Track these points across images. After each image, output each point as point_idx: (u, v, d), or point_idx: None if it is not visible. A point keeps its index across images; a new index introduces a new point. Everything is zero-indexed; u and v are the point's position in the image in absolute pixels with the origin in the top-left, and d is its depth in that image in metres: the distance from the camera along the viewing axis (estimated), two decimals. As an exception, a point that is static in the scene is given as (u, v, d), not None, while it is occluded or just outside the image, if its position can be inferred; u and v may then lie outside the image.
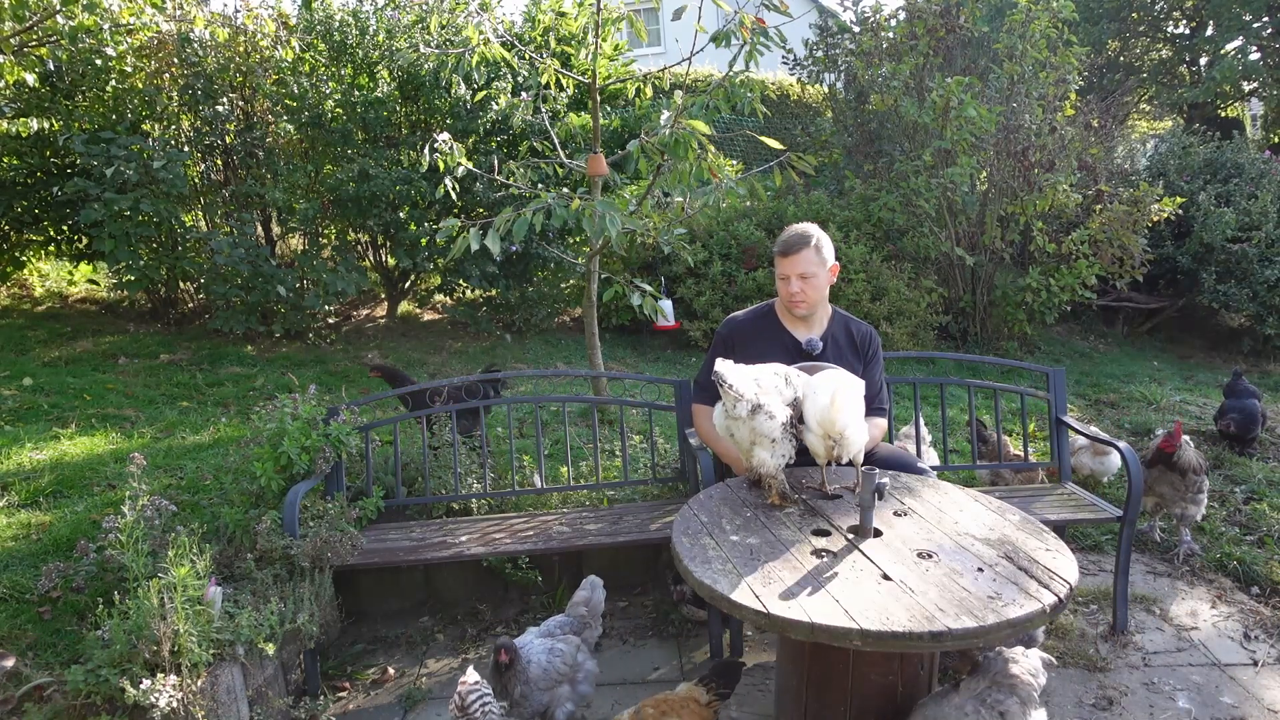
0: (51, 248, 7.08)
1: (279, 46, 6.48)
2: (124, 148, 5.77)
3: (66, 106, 6.24)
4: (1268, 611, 3.49)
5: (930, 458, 3.99)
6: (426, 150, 4.05)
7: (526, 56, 5.01)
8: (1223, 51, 12.42)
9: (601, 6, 4.50)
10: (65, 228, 6.80)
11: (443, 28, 6.40)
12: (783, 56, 7.51)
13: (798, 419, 2.55)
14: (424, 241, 6.59)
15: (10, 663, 2.66)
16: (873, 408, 3.04)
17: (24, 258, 7.19)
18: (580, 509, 3.70)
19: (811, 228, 3.06)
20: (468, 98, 6.34)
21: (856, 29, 8.33)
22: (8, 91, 6.15)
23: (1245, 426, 5.09)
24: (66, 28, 5.64)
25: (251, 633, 2.63)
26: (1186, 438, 3.84)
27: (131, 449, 4.23)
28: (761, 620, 1.96)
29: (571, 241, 7.26)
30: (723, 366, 2.49)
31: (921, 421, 4.02)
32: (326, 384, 5.48)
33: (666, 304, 6.96)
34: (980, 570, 2.12)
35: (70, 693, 2.48)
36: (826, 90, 9.41)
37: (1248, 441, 5.11)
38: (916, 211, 7.20)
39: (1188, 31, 13.97)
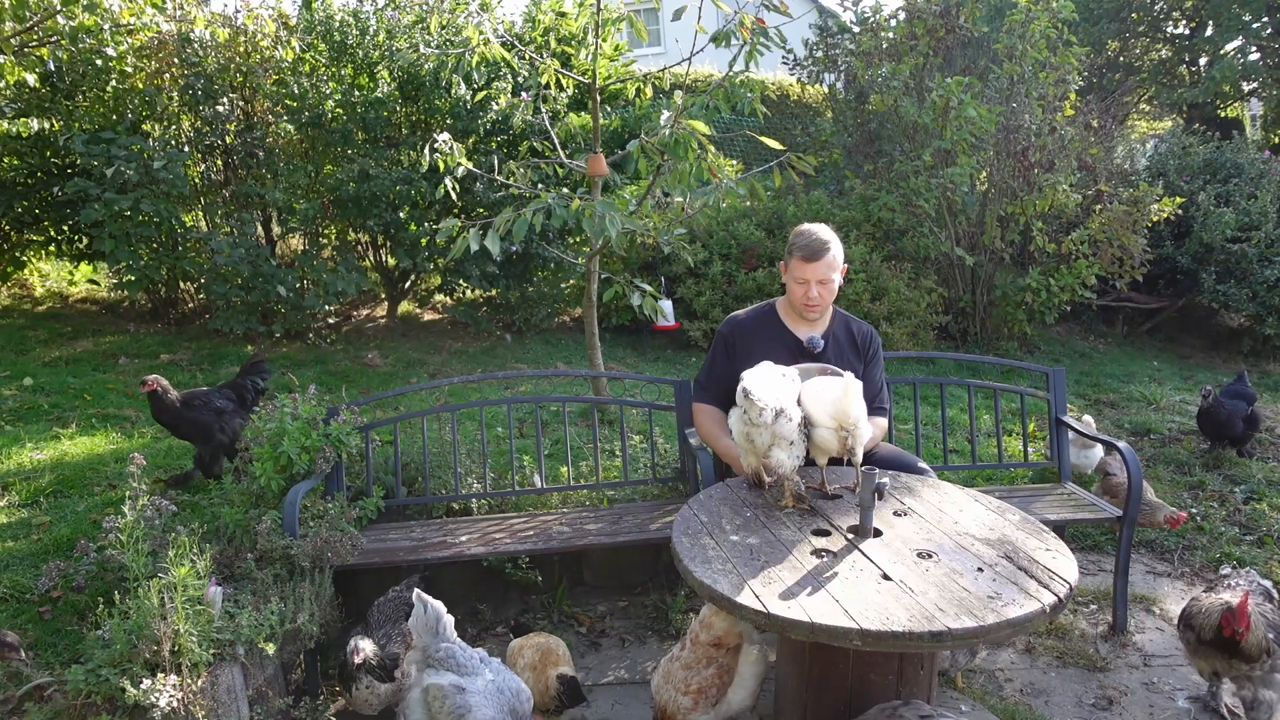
0: (52, 248, 7.09)
1: (279, 47, 6.49)
2: (124, 148, 5.78)
3: (67, 106, 6.25)
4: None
5: None
6: (426, 150, 4.05)
7: (526, 57, 5.02)
8: (1222, 52, 12.42)
9: (601, 7, 4.50)
10: (65, 228, 6.81)
11: (443, 28, 6.40)
12: (783, 56, 7.51)
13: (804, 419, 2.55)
14: (424, 241, 6.59)
15: (11, 639, 2.62)
16: (873, 407, 3.03)
17: (24, 258, 7.20)
18: (580, 509, 3.70)
19: (828, 231, 3.01)
20: (468, 98, 6.34)
21: (856, 29, 8.33)
22: (8, 91, 6.15)
23: (1209, 419, 5.04)
24: (67, 28, 5.64)
25: (252, 633, 2.63)
26: (1255, 606, 2.57)
27: (131, 449, 4.23)
28: (761, 620, 1.96)
29: (571, 241, 7.27)
30: (748, 381, 2.46)
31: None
32: (326, 384, 5.47)
33: (666, 304, 6.97)
34: (980, 570, 2.12)
35: (70, 692, 2.48)
36: (826, 90, 9.42)
37: (1237, 441, 5.08)
38: (916, 211, 7.20)
39: (1187, 31, 13.97)
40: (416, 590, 2.49)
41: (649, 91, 4.60)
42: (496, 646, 3.30)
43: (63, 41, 5.76)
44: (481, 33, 4.25)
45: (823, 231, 3.00)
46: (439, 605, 2.44)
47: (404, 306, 7.95)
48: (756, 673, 2.49)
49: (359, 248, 7.27)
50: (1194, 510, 4.37)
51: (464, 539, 3.29)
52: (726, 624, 2.44)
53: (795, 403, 2.53)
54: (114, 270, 6.40)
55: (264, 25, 6.46)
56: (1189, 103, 13.07)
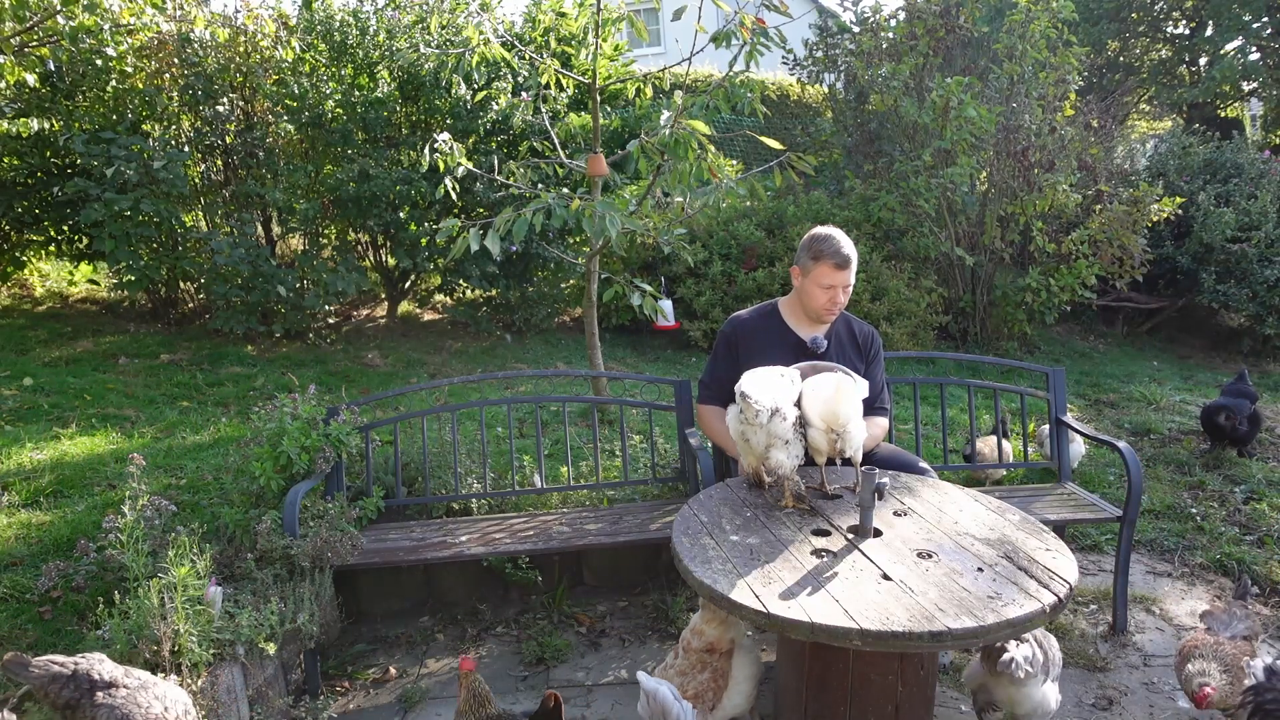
0: (52, 248, 7.08)
1: (279, 47, 6.48)
2: (124, 148, 5.77)
3: (67, 106, 6.24)
4: (1268, 611, 3.49)
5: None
6: (426, 150, 4.05)
7: (526, 57, 5.02)
8: (1222, 52, 12.42)
9: (601, 6, 4.50)
10: (66, 228, 6.80)
11: (443, 28, 6.40)
12: (783, 56, 7.51)
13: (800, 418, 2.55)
14: (424, 241, 6.59)
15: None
16: (874, 407, 3.04)
17: (24, 258, 7.19)
18: (580, 509, 3.70)
19: (847, 236, 3.00)
20: (468, 98, 6.34)
21: (856, 29, 8.34)
22: (8, 91, 6.15)
23: (1209, 421, 5.06)
24: (67, 28, 5.63)
25: (252, 633, 2.63)
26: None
27: (131, 449, 4.23)
28: (761, 620, 1.96)
29: (571, 241, 7.27)
30: (745, 382, 2.49)
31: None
32: (327, 384, 5.48)
33: (666, 304, 6.97)
34: (980, 570, 2.12)
35: (70, 692, 2.48)
36: (826, 90, 9.42)
37: (1239, 441, 5.07)
38: (916, 211, 7.21)
39: (1187, 31, 13.98)
40: (641, 673, 2.30)
41: (649, 91, 4.60)
42: (496, 646, 3.31)
43: (63, 41, 5.75)
44: (481, 33, 4.25)
45: (842, 236, 2.98)
46: (659, 682, 2.25)
47: (404, 306, 7.95)
48: (751, 674, 2.49)
49: (359, 248, 7.27)
50: (1194, 510, 4.37)
51: (464, 539, 3.30)
52: (718, 631, 2.45)
53: (793, 403, 2.53)
54: (114, 270, 6.39)
55: (264, 25, 6.45)
56: (1189, 103, 13.08)
